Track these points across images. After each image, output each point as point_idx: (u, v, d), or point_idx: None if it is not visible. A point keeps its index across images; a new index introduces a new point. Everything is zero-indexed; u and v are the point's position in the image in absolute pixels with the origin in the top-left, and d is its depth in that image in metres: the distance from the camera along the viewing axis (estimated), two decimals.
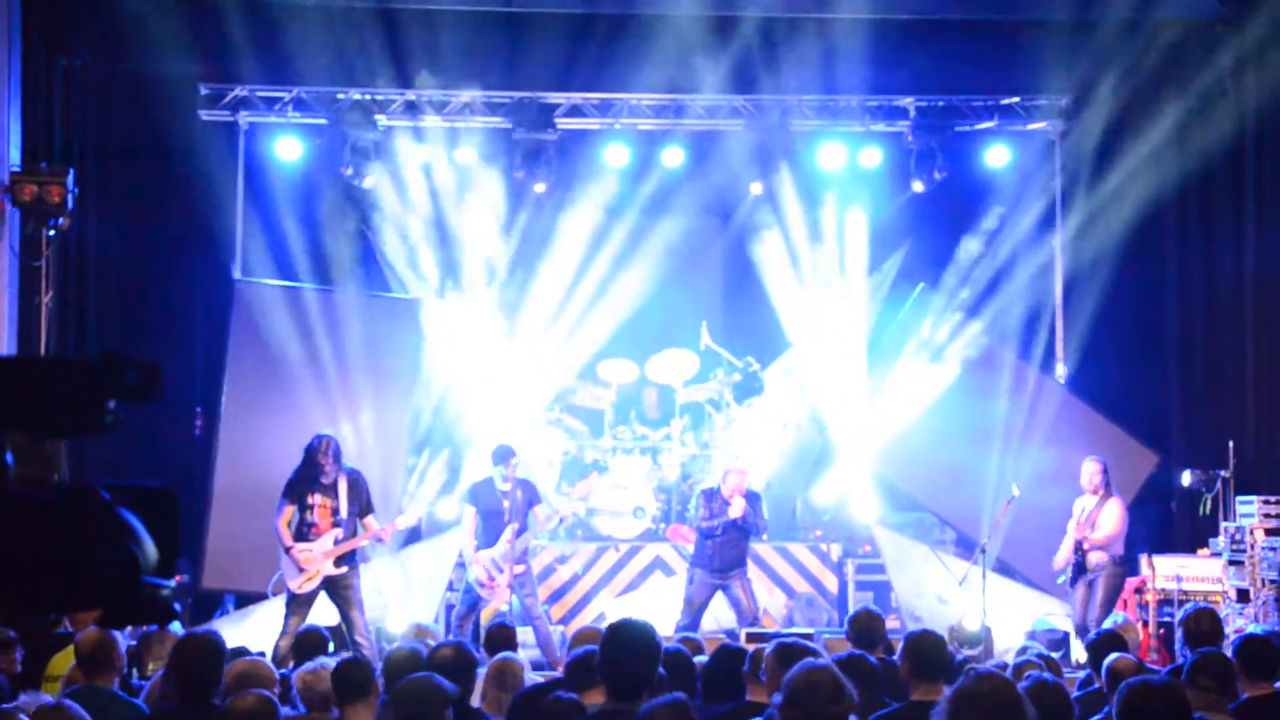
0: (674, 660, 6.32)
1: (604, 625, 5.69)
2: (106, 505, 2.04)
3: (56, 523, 2.01)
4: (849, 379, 14.66)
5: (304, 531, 10.86)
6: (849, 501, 14.38)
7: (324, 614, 10.92)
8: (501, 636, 8.24)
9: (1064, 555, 11.89)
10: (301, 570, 10.77)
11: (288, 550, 10.83)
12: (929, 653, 5.95)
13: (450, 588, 13.02)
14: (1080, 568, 11.77)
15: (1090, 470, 11.99)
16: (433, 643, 7.21)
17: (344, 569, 10.86)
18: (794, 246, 15.08)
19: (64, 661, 7.03)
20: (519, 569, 11.62)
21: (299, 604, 10.80)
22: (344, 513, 10.89)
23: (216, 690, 5.57)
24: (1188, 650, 6.99)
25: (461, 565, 12.09)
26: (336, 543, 10.82)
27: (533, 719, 5.27)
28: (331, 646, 8.13)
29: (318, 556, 10.77)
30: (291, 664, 6.78)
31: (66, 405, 2.06)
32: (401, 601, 12.59)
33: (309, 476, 10.91)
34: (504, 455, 11.74)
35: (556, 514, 12.29)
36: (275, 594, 11.97)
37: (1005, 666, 7.31)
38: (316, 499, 10.88)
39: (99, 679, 6.17)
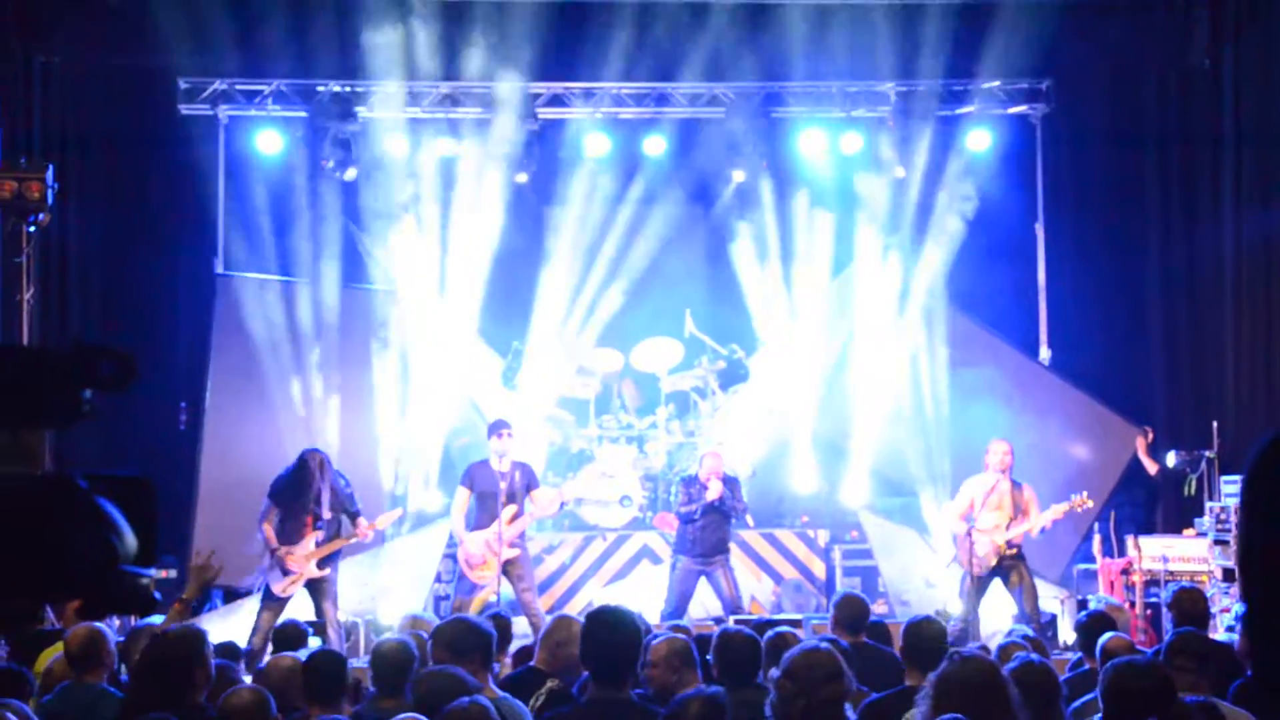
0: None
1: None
2: (85, 494, 2.03)
3: (35, 513, 2.00)
4: (830, 366, 14.69)
5: (286, 532, 10.83)
6: (835, 487, 14.38)
7: (299, 608, 10.90)
8: (496, 628, 8.09)
9: (989, 543, 11.13)
10: (287, 573, 10.73)
11: (273, 552, 10.80)
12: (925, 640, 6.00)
13: (439, 579, 12.98)
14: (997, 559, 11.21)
15: (1003, 450, 11.37)
16: (425, 634, 7.14)
17: (326, 570, 10.85)
18: (776, 233, 15.08)
19: (51, 658, 6.98)
20: (513, 553, 11.33)
21: (276, 602, 10.76)
22: (325, 514, 10.86)
23: (195, 689, 5.39)
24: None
25: (449, 556, 11.90)
26: (318, 544, 10.78)
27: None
28: (315, 642, 8.09)
29: (301, 559, 10.73)
30: (264, 661, 6.76)
31: (39, 396, 2.04)
32: (391, 594, 12.55)
33: (297, 488, 10.87)
34: (496, 426, 11.57)
35: (559, 496, 12.09)
36: (258, 590, 11.93)
37: (989, 649, 7.31)
38: (299, 502, 10.86)
39: (89, 675, 6.14)
